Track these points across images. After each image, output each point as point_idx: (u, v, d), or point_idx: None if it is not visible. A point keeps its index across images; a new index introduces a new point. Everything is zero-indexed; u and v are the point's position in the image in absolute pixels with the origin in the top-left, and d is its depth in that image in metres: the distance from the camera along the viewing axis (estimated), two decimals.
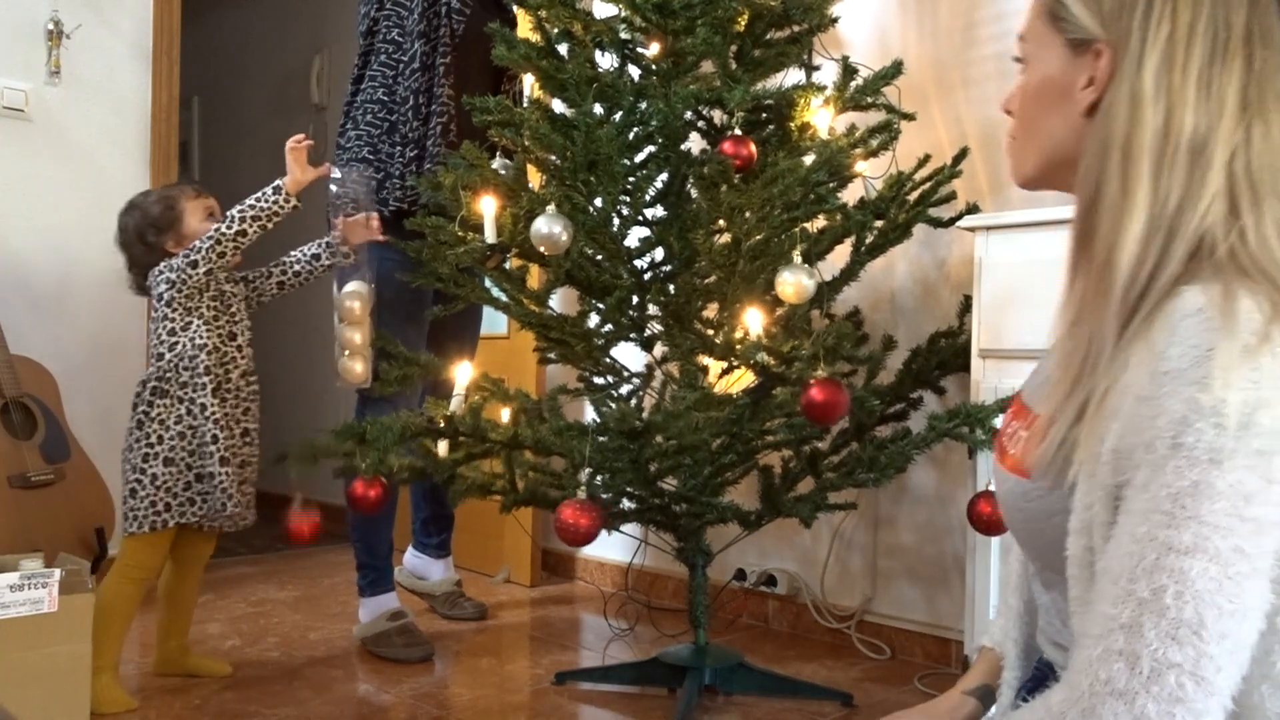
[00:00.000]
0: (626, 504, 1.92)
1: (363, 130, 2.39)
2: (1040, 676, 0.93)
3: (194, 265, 1.97)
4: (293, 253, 2.17)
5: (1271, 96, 0.77)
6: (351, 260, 2.12)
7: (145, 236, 2.03)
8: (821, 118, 1.88)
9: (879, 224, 1.95)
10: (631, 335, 1.94)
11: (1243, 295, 0.70)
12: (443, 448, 1.84)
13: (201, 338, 1.98)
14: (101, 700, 1.87)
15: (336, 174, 2.13)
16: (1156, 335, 0.70)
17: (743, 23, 1.92)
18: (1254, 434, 0.66)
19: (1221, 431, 0.66)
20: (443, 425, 1.77)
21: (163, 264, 2.00)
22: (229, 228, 1.97)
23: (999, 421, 0.98)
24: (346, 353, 2.03)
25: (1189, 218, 0.74)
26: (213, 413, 1.96)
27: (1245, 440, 0.66)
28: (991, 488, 1.64)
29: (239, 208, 1.99)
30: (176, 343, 1.98)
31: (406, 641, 2.29)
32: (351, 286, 2.05)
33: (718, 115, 2.01)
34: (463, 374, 1.85)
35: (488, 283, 1.99)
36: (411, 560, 2.73)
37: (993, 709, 0.97)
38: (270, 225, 2.00)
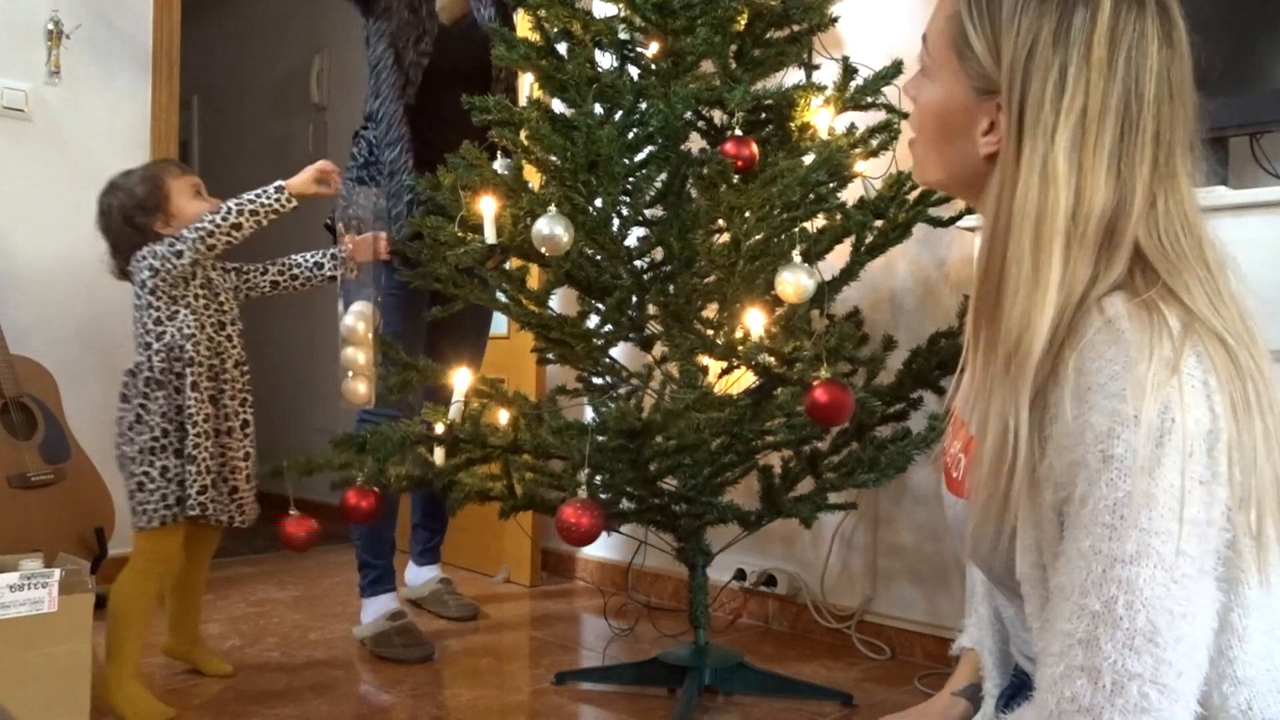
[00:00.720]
0: (626, 504, 1.92)
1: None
2: (1019, 684, 0.93)
3: (179, 255, 1.92)
4: (296, 256, 2.16)
5: (1179, 153, 0.76)
6: (355, 275, 2.11)
7: (133, 219, 1.97)
8: (821, 117, 1.88)
9: (879, 224, 1.95)
10: (631, 335, 1.94)
11: (1151, 308, 0.70)
12: (439, 455, 1.83)
13: (189, 327, 1.94)
14: (137, 711, 1.86)
15: (344, 192, 2.13)
16: (1068, 354, 0.71)
17: (742, 22, 1.92)
18: (1177, 436, 0.67)
19: (1146, 439, 0.67)
20: (441, 433, 1.77)
21: (145, 249, 1.94)
22: (224, 219, 1.93)
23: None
24: (350, 374, 2.03)
25: (1100, 288, 0.73)
26: (190, 408, 1.92)
27: (1170, 444, 0.67)
28: None
29: (236, 200, 1.96)
30: (164, 332, 1.94)
31: (406, 641, 2.29)
32: (357, 307, 2.05)
33: (718, 115, 2.01)
34: (461, 380, 1.85)
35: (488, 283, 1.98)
36: (408, 573, 2.76)
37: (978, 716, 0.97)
38: (265, 222, 1.98)
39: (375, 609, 2.38)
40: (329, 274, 2.12)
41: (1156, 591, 0.66)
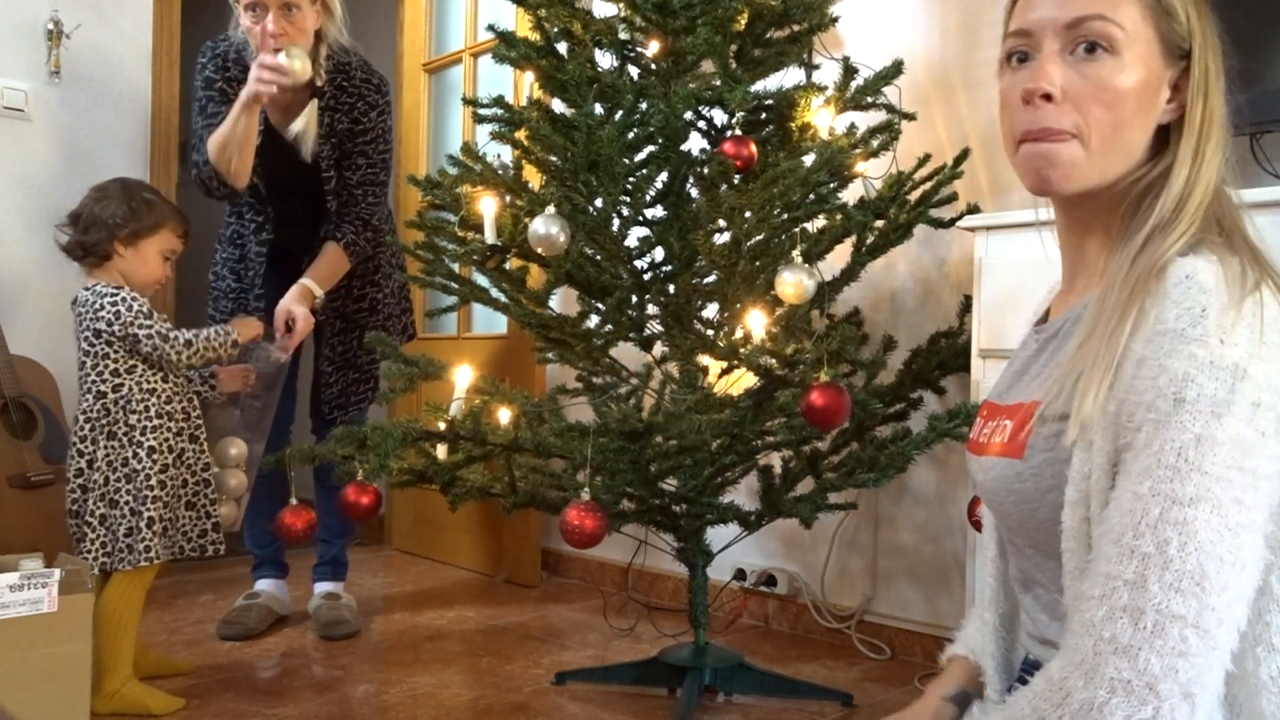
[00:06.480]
0: (627, 504, 1.92)
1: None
2: (1025, 682, 0.92)
3: (135, 339, 1.95)
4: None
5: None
6: (221, 400, 2.21)
7: (116, 229, 1.98)
8: (822, 118, 1.88)
9: (879, 224, 1.95)
10: (631, 335, 1.94)
11: (1232, 265, 0.74)
12: (442, 451, 1.84)
13: (149, 382, 1.97)
14: (159, 702, 1.89)
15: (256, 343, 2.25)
16: (1149, 305, 0.73)
17: (743, 22, 1.91)
18: (1249, 386, 0.69)
19: (1221, 384, 0.69)
20: (443, 429, 1.76)
21: (115, 298, 1.94)
22: (174, 350, 1.97)
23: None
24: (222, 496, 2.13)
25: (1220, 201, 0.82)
26: (159, 458, 1.94)
27: (1242, 393, 0.69)
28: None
29: (203, 341, 2.01)
30: (121, 384, 1.95)
31: (230, 618, 2.42)
32: (232, 443, 2.18)
33: (718, 115, 2.01)
34: (462, 377, 1.85)
35: (486, 282, 1.98)
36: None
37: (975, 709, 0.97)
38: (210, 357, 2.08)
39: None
40: (195, 389, 2.17)
41: (1210, 536, 0.67)
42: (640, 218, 1.90)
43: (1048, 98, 0.81)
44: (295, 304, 2.29)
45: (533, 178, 2.00)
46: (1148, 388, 0.71)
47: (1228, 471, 0.68)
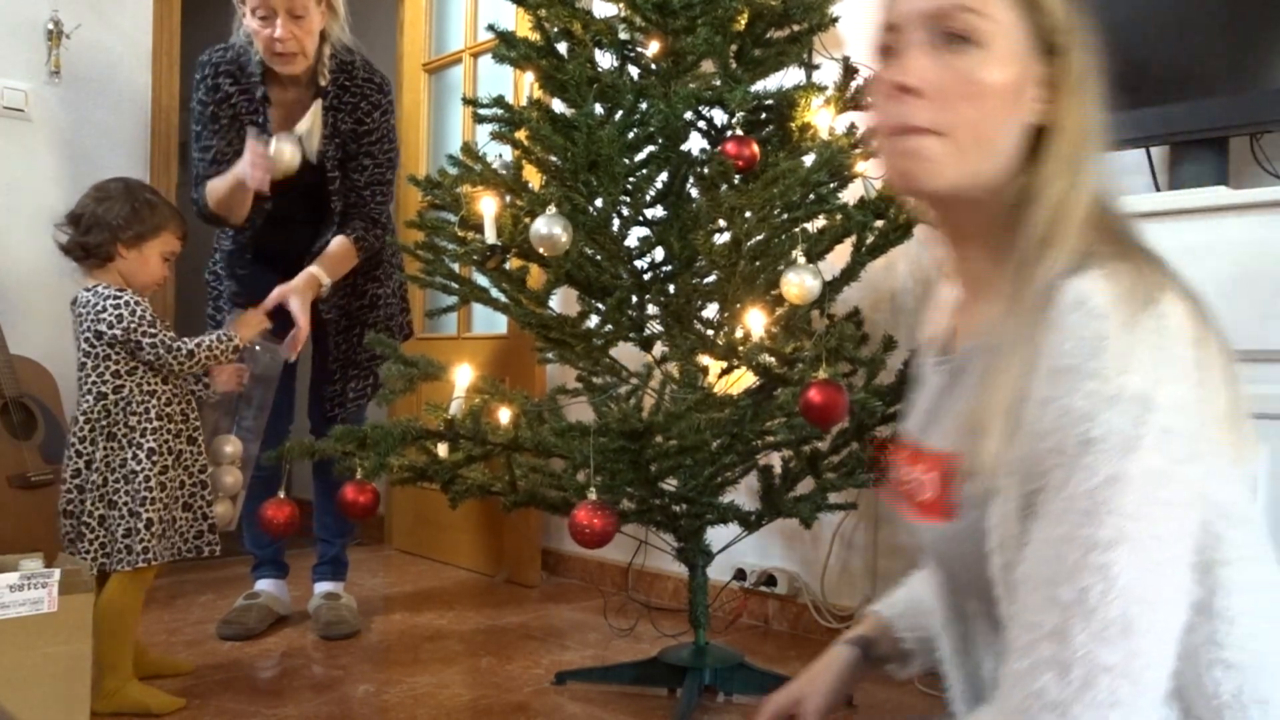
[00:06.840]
0: (627, 504, 1.92)
1: None
2: None
3: (137, 346, 1.94)
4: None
5: None
6: (216, 399, 2.18)
7: (119, 230, 1.97)
8: (822, 117, 1.88)
9: (879, 224, 1.95)
10: (631, 335, 1.94)
11: (1124, 279, 0.69)
12: (443, 450, 1.84)
13: (149, 384, 1.97)
14: (160, 702, 1.89)
15: (256, 342, 2.22)
16: (1043, 335, 0.69)
17: (743, 22, 1.91)
18: (1157, 414, 0.66)
19: (1127, 418, 0.66)
20: (443, 428, 1.77)
21: (118, 301, 1.93)
22: (176, 360, 1.96)
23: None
24: (218, 493, 2.13)
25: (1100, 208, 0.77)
26: (158, 460, 1.94)
27: (1150, 422, 0.66)
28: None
29: (204, 349, 1.99)
30: (122, 385, 1.95)
31: (230, 618, 2.41)
32: (226, 440, 2.18)
33: (718, 115, 2.01)
34: (462, 376, 1.85)
35: (486, 282, 1.98)
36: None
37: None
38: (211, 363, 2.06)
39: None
40: (190, 388, 2.14)
41: (1131, 579, 0.64)
42: (640, 218, 1.90)
43: (912, 91, 0.77)
44: (295, 293, 2.25)
45: (533, 178, 2.00)
46: (1054, 429, 0.67)
47: (1142, 508, 0.65)
